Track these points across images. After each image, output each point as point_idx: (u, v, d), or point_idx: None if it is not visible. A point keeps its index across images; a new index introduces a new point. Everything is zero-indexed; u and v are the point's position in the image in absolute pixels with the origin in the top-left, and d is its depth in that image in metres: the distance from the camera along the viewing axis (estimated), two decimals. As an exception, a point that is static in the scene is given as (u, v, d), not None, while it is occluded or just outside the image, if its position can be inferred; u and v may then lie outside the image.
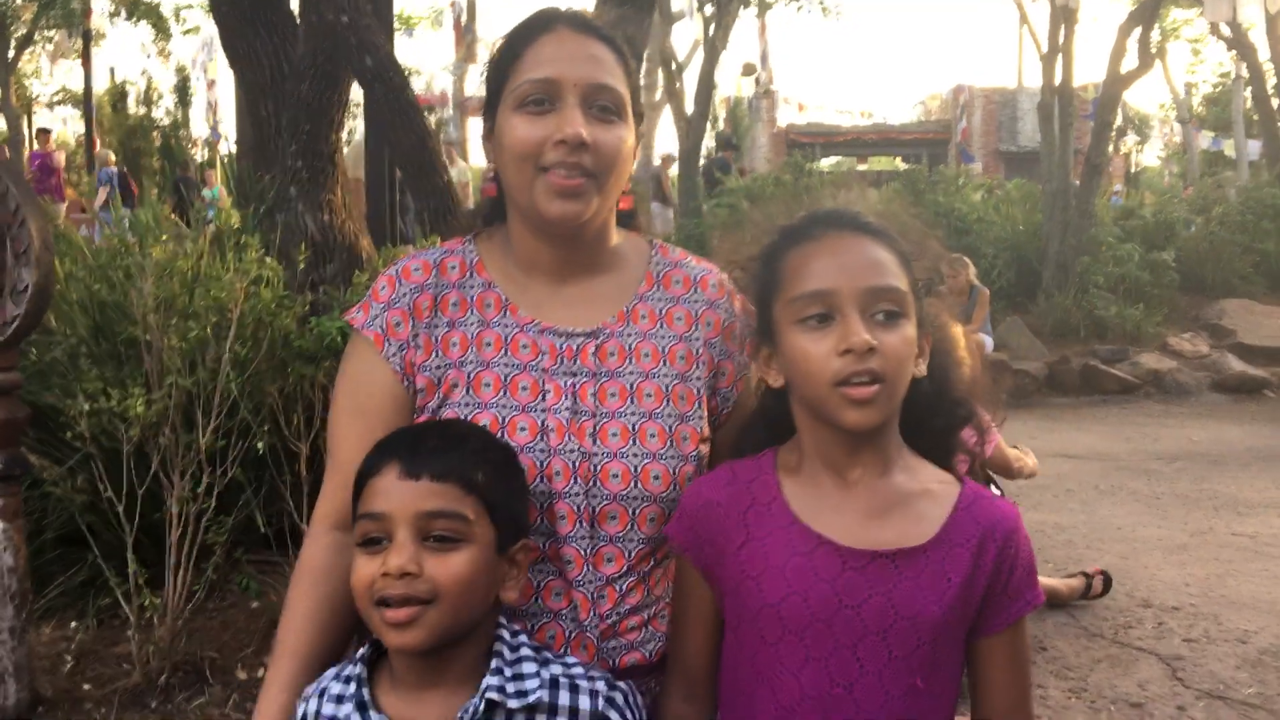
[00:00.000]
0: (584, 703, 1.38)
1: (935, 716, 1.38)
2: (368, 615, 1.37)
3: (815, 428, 1.42)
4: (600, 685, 1.41)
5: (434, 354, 1.57)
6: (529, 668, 1.39)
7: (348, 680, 1.41)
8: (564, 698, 1.38)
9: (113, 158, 17.90)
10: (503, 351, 1.57)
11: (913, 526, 1.38)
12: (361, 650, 1.44)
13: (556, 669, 1.41)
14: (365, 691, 1.39)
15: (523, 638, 1.44)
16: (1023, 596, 1.40)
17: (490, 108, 1.60)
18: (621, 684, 1.45)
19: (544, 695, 1.37)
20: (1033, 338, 11.53)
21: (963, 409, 1.50)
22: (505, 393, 1.54)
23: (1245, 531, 5.95)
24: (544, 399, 1.54)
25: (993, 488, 4.16)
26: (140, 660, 3.38)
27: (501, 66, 1.57)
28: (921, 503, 1.40)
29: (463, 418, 1.53)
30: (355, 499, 1.41)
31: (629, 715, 1.42)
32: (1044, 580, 4.66)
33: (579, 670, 1.42)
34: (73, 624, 3.76)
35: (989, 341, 10.23)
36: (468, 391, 1.55)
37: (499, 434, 1.51)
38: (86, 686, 3.40)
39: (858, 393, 1.33)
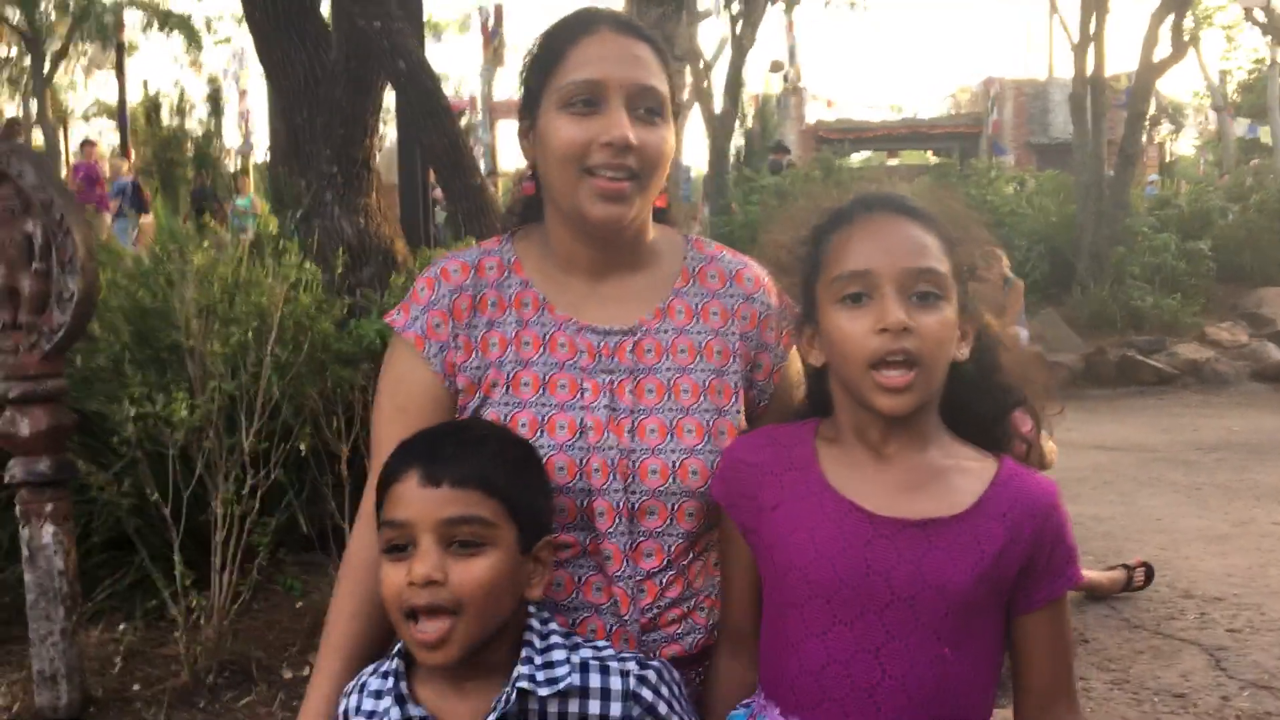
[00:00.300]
0: (615, 683, 1.40)
1: (966, 689, 1.39)
2: (399, 626, 1.38)
3: (852, 408, 1.44)
4: (632, 665, 1.42)
5: (474, 354, 1.59)
6: (559, 655, 1.41)
7: (385, 675, 1.43)
8: (595, 679, 1.40)
9: (126, 168, 18.06)
10: (541, 350, 1.59)
11: (946, 498, 1.39)
12: (399, 645, 1.45)
13: (587, 653, 1.42)
14: (403, 685, 1.41)
15: (553, 624, 1.45)
16: (1064, 574, 1.40)
17: (529, 106, 1.61)
18: (654, 662, 1.46)
19: (575, 679, 1.39)
20: (1068, 329, 11.47)
21: (1012, 395, 1.50)
22: (544, 391, 1.56)
23: (1288, 521, 5.90)
24: (582, 397, 1.56)
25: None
26: (188, 660, 3.44)
27: (544, 65, 1.58)
28: (956, 477, 1.41)
29: (502, 417, 1.55)
30: (379, 505, 1.42)
31: (664, 691, 1.43)
32: (1086, 573, 4.64)
33: (609, 653, 1.44)
34: (121, 626, 3.82)
35: (1024, 334, 10.15)
36: (507, 390, 1.57)
37: (538, 432, 1.53)
38: (136, 687, 3.46)
39: (891, 380, 1.35)
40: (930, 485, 1.40)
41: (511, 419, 1.54)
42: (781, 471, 1.45)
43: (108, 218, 15.08)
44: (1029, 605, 1.40)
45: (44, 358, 3.18)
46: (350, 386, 3.72)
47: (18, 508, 3.22)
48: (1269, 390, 10.49)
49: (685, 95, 20.81)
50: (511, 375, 1.57)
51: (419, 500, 1.36)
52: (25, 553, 3.21)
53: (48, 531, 3.18)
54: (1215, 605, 4.58)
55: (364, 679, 1.46)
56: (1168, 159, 28.43)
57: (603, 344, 1.59)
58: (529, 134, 1.62)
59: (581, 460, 1.53)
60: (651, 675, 1.43)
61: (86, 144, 19.32)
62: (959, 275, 1.43)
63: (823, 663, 1.38)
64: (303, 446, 3.58)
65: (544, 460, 1.51)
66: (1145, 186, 17.07)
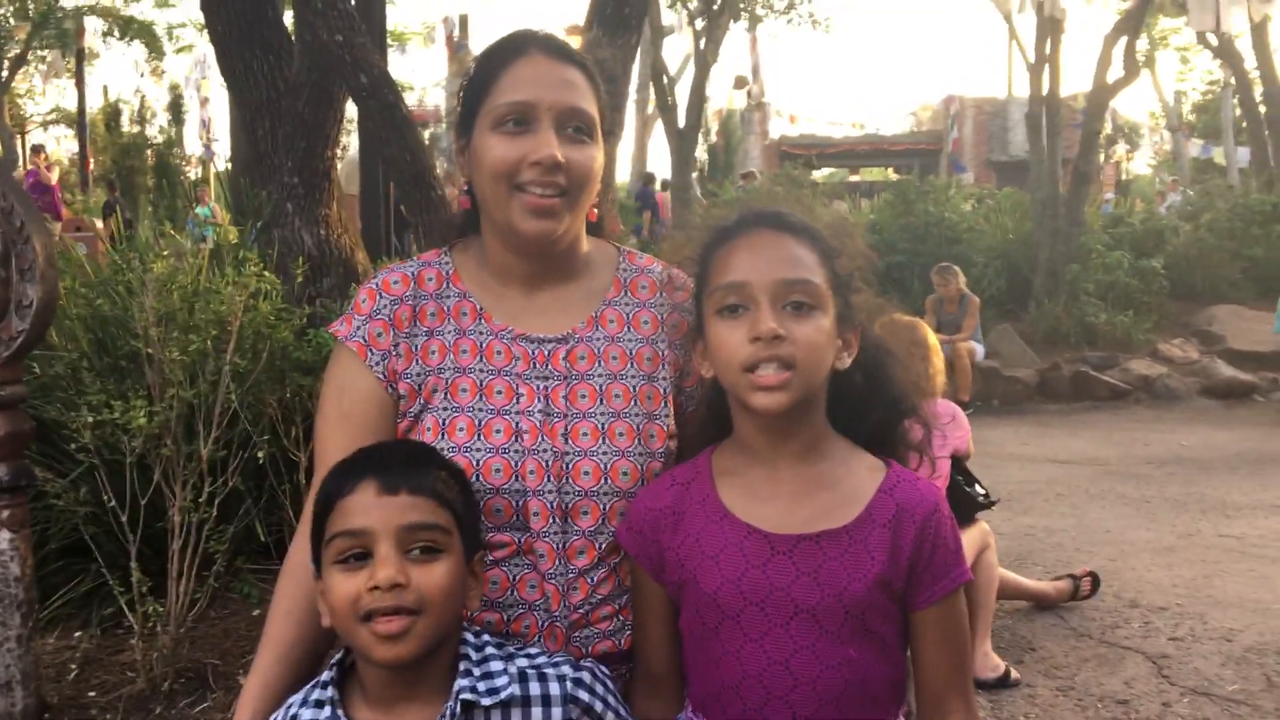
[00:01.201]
0: (554, 689, 1.45)
1: (874, 684, 1.47)
2: (351, 632, 1.40)
3: (743, 417, 1.53)
4: (566, 669, 1.48)
5: (415, 362, 1.66)
6: (496, 665, 1.45)
7: (319, 704, 1.44)
8: (534, 688, 1.44)
9: (114, 190, 18.15)
10: (478, 358, 1.66)
11: (838, 509, 1.48)
12: (328, 673, 1.47)
13: (522, 661, 1.47)
14: (341, 712, 1.43)
15: (485, 637, 1.50)
16: (948, 574, 1.48)
17: (465, 125, 1.69)
18: (585, 663, 1.52)
19: (515, 689, 1.43)
20: (1024, 345, 11.62)
21: (902, 405, 1.59)
22: (481, 397, 1.63)
23: (1232, 533, 6.02)
24: (518, 402, 1.63)
25: (978, 487, 4.22)
26: (144, 667, 3.44)
27: (478, 86, 1.66)
28: (847, 486, 1.50)
29: (441, 422, 1.62)
30: (323, 518, 1.44)
31: (598, 690, 1.49)
32: (1034, 585, 4.74)
33: (543, 659, 1.49)
34: (77, 633, 3.81)
35: (980, 349, 10.32)
36: (446, 396, 1.64)
37: (475, 436, 1.60)
38: (91, 694, 3.46)
39: (764, 379, 1.43)
40: (822, 496, 1.49)
41: (450, 423, 1.61)
42: (684, 509, 1.53)
43: (57, 226, 14.96)
44: (917, 604, 1.48)
45: (2, 364, 3.17)
46: (309, 395, 3.75)
47: (-26, 514, 3.21)
48: (1218, 406, 10.68)
49: (650, 109, 20.96)
50: (450, 382, 1.64)
51: (378, 508, 1.40)
52: (-19, 559, 3.20)
53: (4, 537, 3.17)
54: (1159, 614, 4.68)
55: (294, 709, 1.46)
56: (1124, 178, 28.85)
57: (537, 351, 1.67)
58: (464, 151, 1.69)
59: (516, 463, 1.59)
60: (586, 676, 1.49)
61: (35, 150, 19.19)
62: (836, 286, 1.51)
63: (739, 677, 1.46)
64: (260, 455, 3.60)
65: (481, 463, 1.58)
66: (1103, 205, 17.33)
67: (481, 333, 1.68)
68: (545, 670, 1.47)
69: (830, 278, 1.50)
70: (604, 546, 1.62)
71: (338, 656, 1.50)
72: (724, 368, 1.48)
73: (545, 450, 1.61)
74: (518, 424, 1.61)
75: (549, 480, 1.60)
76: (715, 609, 1.47)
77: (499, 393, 1.64)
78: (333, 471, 1.47)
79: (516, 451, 1.60)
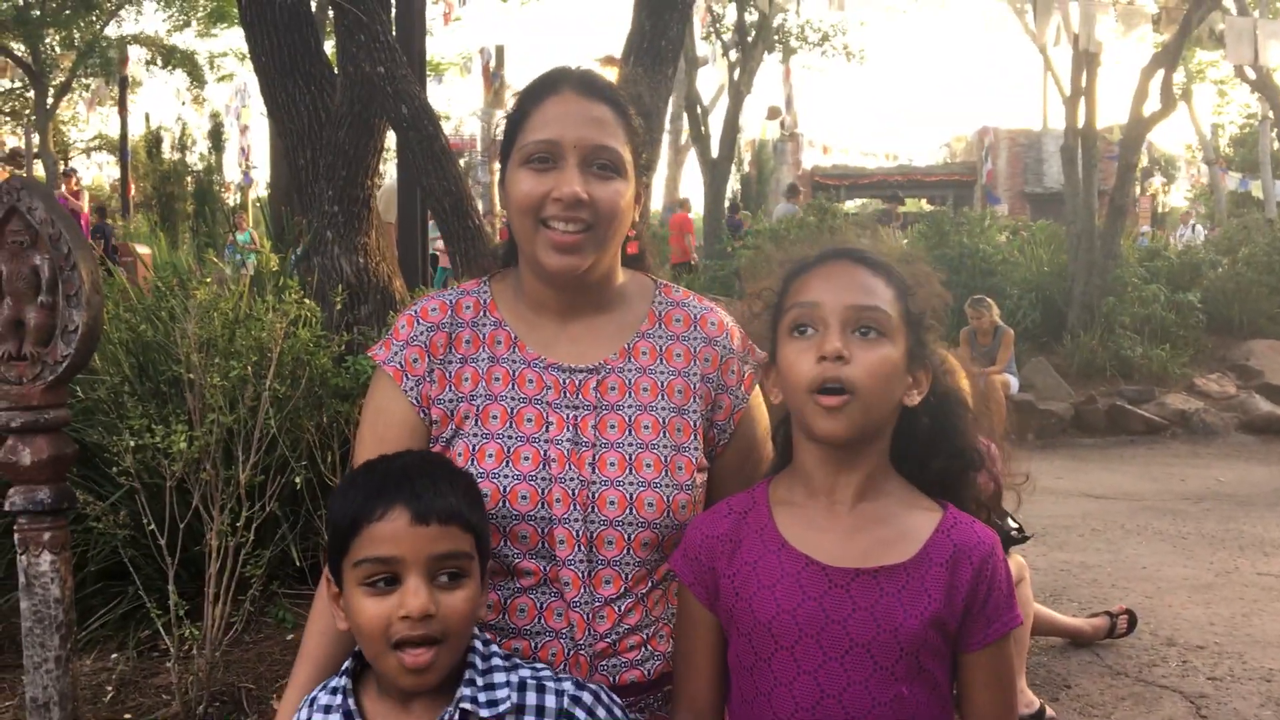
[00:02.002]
0: (550, 701, 1.48)
1: None
2: (379, 655, 1.44)
3: (805, 446, 1.54)
4: (567, 685, 1.50)
5: (448, 388, 1.69)
6: (499, 677, 1.48)
7: (334, 691, 1.51)
8: (531, 697, 1.47)
9: (104, 215, 18.33)
10: (510, 385, 1.69)
11: (895, 545, 1.49)
12: (346, 663, 1.53)
13: (525, 672, 1.50)
14: (351, 701, 1.48)
15: (494, 646, 1.53)
16: (1000, 618, 1.49)
17: (503, 159, 1.74)
18: (592, 685, 1.54)
19: (513, 697, 1.46)
20: (1058, 378, 11.54)
21: (966, 456, 1.60)
22: (511, 424, 1.66)
23: (1271, 571, 5.95)
24: (547, 430, 1.66)
25: (1010, 520, 4.18)
26: (179, 690, 3.47)
27: (514, 122, 1.71)
28: (905, 524, 1.51)
29: (472, 448, 1.64)
30: (345, 540, 1.46)
31: (600, 712, 1.51)
32: (1069, 621, 4.69)
33: (547, 673, 1.52)
34: (113, 655, 3.85)
35: (1014, 382, 10.25)
36: (476, 423, 1.67)
37: (503, 462, 1.63)
38: (127, 716, 3.49)
39: (827, 400, 1.45)
40: (879, 531, 1.50)
41: (480, 449, 1.64)
42: (740, 538, 1.54)
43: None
44: (969, 646, 1.49)
45: (47, 388, 3.23)
46: (346, 421, 3.78)
47: (16, 536, 3.26)
48: (1256, 442, 10.56)
49: (684, 140, 21.05)
50: (482, 408, 1.67)
51: (409, 538, 1.42)
52: (22, 580, 3.24)
53: (45, 559, 3.22)
54: (1197, 653, 4.63)
55: (315, 694, 1.54)
56: (1160, 211, 28.67)
57: (569, 380, 1.69)
58: (503, 184, 1.73)
59: (543, 490, 1.62)
60: (587, 696, 1.51)
61: (66, 175, 19.42)
62: (909, 321, 1.53)
63: (791, 710, 1.46)
64: (298, 480, 3.63)
65: (508, 489, 1.60)
66: (1138, 238, 17.23)
67: (515, 361, 1.71)
68: (546, 683, 1.49)
69: (903, 312, 1.52)
70: (630, 577, 1.64)
71: (358, 648, 1.53)
72: (791, 389, 1.51)
73: (572, 479, 1.63)
74: (546, 452, 1.64)
75: (575, 509, 1.62)
76: (769, 639, 1.48)
77: (529, 420, 1.66)
78: (359, 490, 1.48)
79: (544, 479, 1.62)
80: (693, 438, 1.71)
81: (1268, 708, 4.05)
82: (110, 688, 3.63)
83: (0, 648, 3.97)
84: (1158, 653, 4.63)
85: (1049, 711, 3.93)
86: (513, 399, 1.67)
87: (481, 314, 1.74)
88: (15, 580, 3.32)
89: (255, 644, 3.94)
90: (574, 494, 1.62)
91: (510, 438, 1.65)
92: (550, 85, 1.70)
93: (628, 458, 1.65)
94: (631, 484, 1.64)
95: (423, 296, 1.85)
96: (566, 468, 1.63)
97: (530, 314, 1.75)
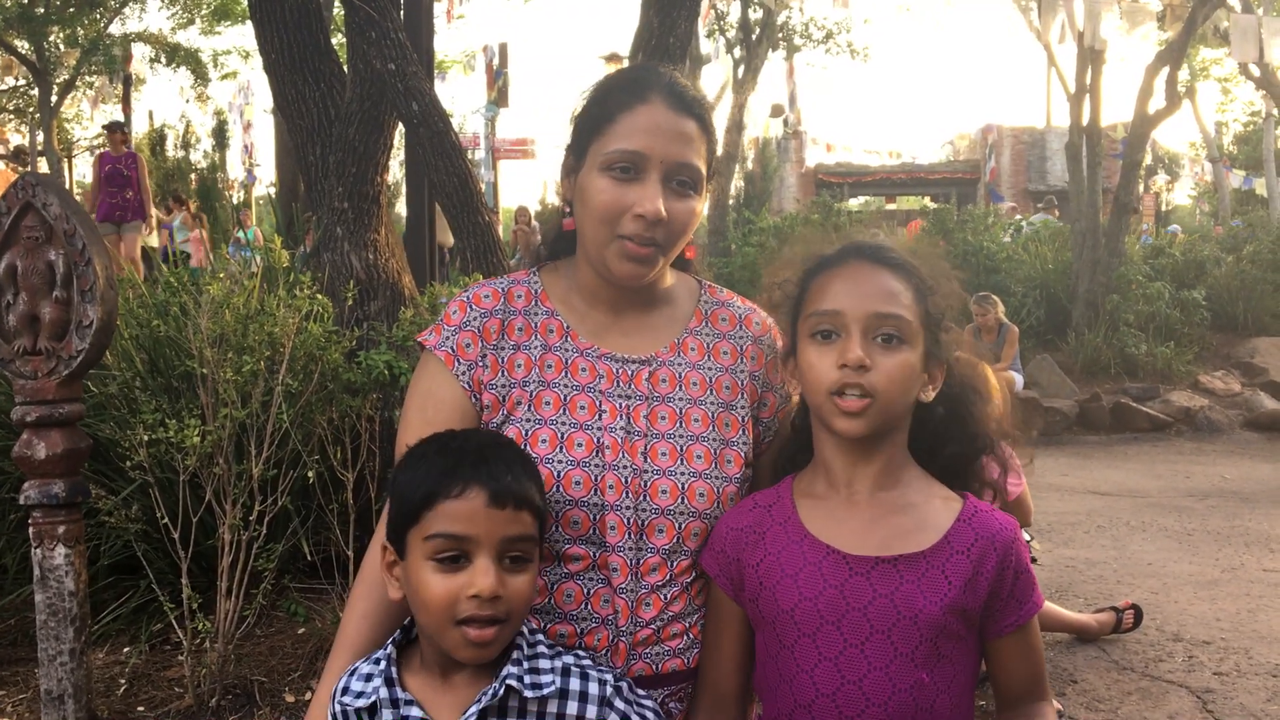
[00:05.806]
0: (593, 689, 1.50)
1: (944, 707, 1.50)
2: (441, 630, 1.45)
3: (823, 438, 1.59)
4: (608, 675, 1.53)
5: (500, 373, 1.70)
6: (544, 663, 1.50)
7: (377, 661, 1.53)
8: (574, 683, 1.49)
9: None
10: (563, 373, 1.71)
11: (914, 534, 1.53)
12: (395, 635, 1.56)
13: (569, 659, 1.52)
14: (393, 670, 1.51)
15: (540, 635, 1.55)
16: (1029, 599, 1.55)
17: (577, 150, 1.72)
18: (621, 682, 1.55)
19: (557, 681, 1.48)
20: (1063, 375, 11.55)
21: (979, 441, 1.65)
22: (565, 411, 1.68)
23: (1276, 567, 5.95)
24: (600, 418, 1.68)
25: (1024, 533, 4.20)
26: (192, 683, 3.49)
27: (595, 121, 1.69)
28: (924, 513, 1.55)
29: (524, 433, 1.65)
30: (416, 511, 1.47)
31: (634, 707, 1.53)
32: (1075, 617, 4.70)
33: (588, 661, 1.54)
34: (126, 648, 3.88)
35: (1019, 379, 10.26)
36: (529, 409, 1.68)
37: (557, 448, 1.64)
38: (140, 709, 3.51)
39: (847, 404, 1.50)
40: (898, 521, 1.54)
41: (533, 435, 1.65)
42: (765, 529, 1.59)
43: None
44: (999, 630, 1.54)
45: (62, 383, 3.25)
46: (357, 416, 3.80)
47: (30, 529, 3.28)
48: (1261, 439, 10.57)
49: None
50: (534, 394, 1.69)
51: (485, 519, 1.44)
52: (37, 573, 3.27)
53: (60, 553, 3.25)
54: (1203, 649, 4.64)
55: (357, 665, 1.56)
56: (1164, 208, 28.64)
57: (621, 370, 1.71)
58: (571, 175, 1.73)
59: (597, 476, 1.63)
60: (625, 688, 1.53)
61: (111, 130, 19.45)
62: (927, 323, 1.57)
63: (812, 697, 1.50)
64: (310, 474, 3.65)
65: (561, 474, 1.62)
66: (1142, 235, 17.22)
67: (567, 350, 1.72)
68: (589, 671, 1.51)
69: (922, 314, 1.56)
70: (677, 565, 1.66)
71: (406, 621, 1.55)
72: (811, 389, 1.55)
73: (625, 466, 1.64)
74: (599, 439, 1.65)
75: (627, 496, 1.63)
76: (792, 626, 1.51)
77: (582, 408, 1.68)
78: (432, 465, 1.48)
79: (597, 465, 1.64)
80: (741, 432, 1.74)
81: (1274, 702, 4.06)
82: (123, 681, 3.66)
83: (14, 641, 3.99)
84: (1164, 648, 4.64)
85: (1057, 706, 3.95)
86: (566, 386, 1.69)
87: (533, 303, 1.76)
88: (30, 574, 3.35)
89: (267, 637, 3.96)
90: (626, 481, 1.64)
91: (564, 424, 1.66)
92: (640, 91, 1.67)
93: (679, 449, 1.68)
94: (683, 474, 1.66)
95: (474, 284, 1.85)
96: (619, 455, 1.65)
97: (582, 305, 1.77)
